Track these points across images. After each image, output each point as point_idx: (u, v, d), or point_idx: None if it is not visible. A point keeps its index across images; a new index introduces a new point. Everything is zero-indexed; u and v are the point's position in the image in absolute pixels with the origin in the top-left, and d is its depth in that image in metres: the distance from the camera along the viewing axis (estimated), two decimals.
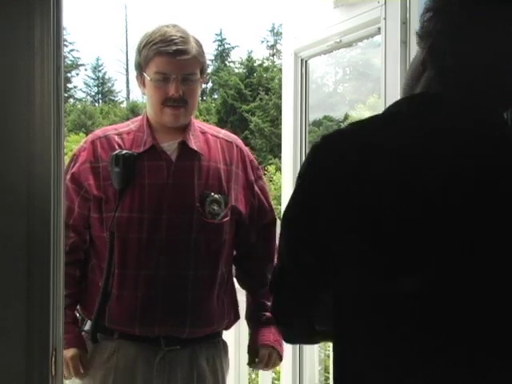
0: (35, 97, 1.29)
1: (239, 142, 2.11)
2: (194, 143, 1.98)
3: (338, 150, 1.15)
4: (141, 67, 1.97)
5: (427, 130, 1.13)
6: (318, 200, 1.14)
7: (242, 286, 2.17)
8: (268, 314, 2.07)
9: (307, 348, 2.89)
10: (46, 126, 1.30)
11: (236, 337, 2.92)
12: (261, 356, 2.09)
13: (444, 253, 1.10)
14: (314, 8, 2.81)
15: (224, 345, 2.09)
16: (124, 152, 1.92)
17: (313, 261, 1.17)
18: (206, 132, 2.06)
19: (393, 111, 1.21)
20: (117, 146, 1.97)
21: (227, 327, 2.09)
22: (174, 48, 1.90)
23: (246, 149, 2.12)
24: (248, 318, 2.18)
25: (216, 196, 1.95)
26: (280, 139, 3.20)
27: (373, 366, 1.13)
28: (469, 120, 1.15)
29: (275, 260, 2.05)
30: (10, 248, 1.29)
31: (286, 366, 2.96)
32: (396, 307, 1.11)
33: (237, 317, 2.12)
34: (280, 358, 2.14)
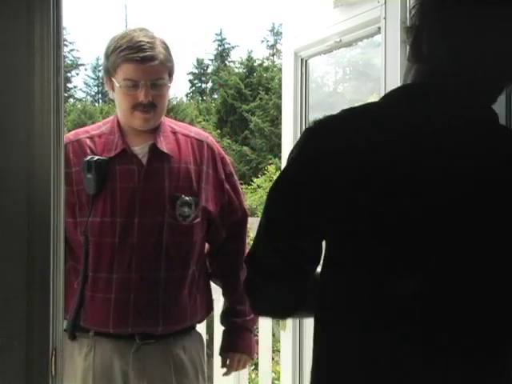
0: (35, 96, 1.28)
1: (210, 139, 2.14)
2: (165, 145, 2.00)
3: (330, 135, 1.15)
4: (109, 72, 1.98)
5: (414, 123, 1.14)
6: (305, 188, 1.14)
7: (217, 285, 2.21)
8: (239, 319, 2.14)
9: (307, 348, 2.89)
10: (46, 126, 1.30)
11: None
12: (230, 362, 2.16)
13: (442, 251, 1.10)
14: (314, 8, 2.80)
15: (199, 336, 2.13)
16: (96, 158, 1.95)
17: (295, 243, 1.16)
18: (177, 132, 2.08)
19: (386, 103, 1.22)
20: (88, 151, 1.99)
21: (200, 321, 2.14)
22: (142, 55, 1.91)
23: (217, 146, 2.15)
24: (221, 322, 2.22)
25: (186, 198, 1.97)
26: (280, 139, 3.20)
27: (363, 365, 1.14)
28: (448, 109, 1.15)
29: (242, 259, 2.13)
30: (10, 248, 1.29)
31: (285, 365, 2.96)
32: (393, 306, 1.11)
33: (209, 310, 2.16)
34: (250, 359, 2.22)
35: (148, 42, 1.93)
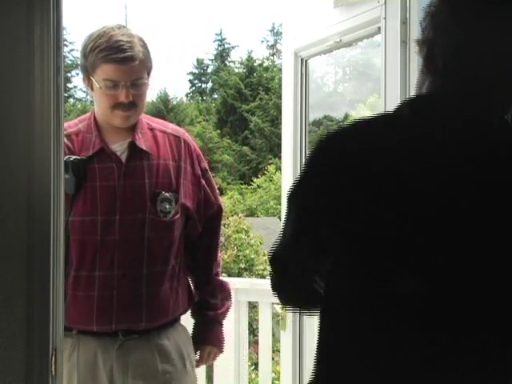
0: (35, 97, 1.28)
1: (186, 136, 2.14)
2: (143, 142, 2.01)
3: (340, 147, 1.18)
4: (87, 71, 1.97)
5: (421, 131, 1.15)
6: (317, 202, 1.17)
7: (190, 278, 2.20)
8: (210, 312, 2.17)
9: (307, 348, 2.89)
10: (46, 126, 1.30)
11: (236, 337, 2.92)
12: (201, 354, 2.19)
13: (443, 252, 1.10)
14: (314, 8, 2.81)
15: (183, 328, 2.14)
16: (73, 158, 1.94)
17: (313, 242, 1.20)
18: (154, 128, 2.08)
19: (393, 113, 1.24)
20: (66, 150, 1.97)
21: (183, 313, 2.15)
22: (122, 55, 1.90)
23: (193, 143, 2.16)
24: (192, 314, 2.23)
25: (167, 194, 1.99)
26: (280, 139, 3.20)
27: (362, 364, 1.14)
28: (461, 120, 1.16)
29: (218, 251, 2.25)
30: (10, 248, 1.29)
31: (286, 365, 2.96)
32: (393, 306, 1.11)
33: (191, 301, 2.17)
34: (220, 352, 2.24)
35: (127, 42, 1.92)
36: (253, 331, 6.03)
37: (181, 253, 2.09)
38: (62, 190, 1.37)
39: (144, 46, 1.98)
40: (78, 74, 34.32)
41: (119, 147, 2.00)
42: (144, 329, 1.97)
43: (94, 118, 2.03)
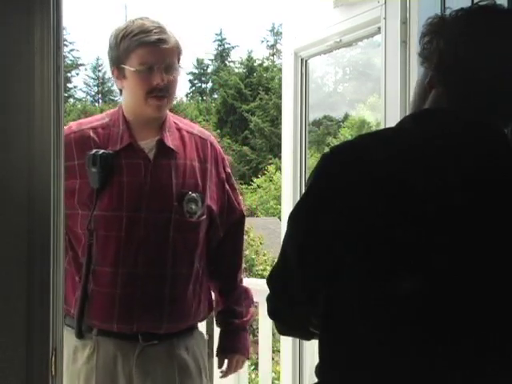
0: (35, 97, 1.28)
1: (212, 139, 2.13)
2: (171, 141, 1.99)
3: (345, 161, 1.19)
4: (119, 60, 1.95)
5: (431, 144, 1.16)
6: (324, 206, 1.17)
7: (212, 285, 2.16)
8: (237, 320, 2.12)
9: (307, 348, 2.89)
10: (46, 126, 1.30)
11: None
12: (229, 363, 2.14)
13: (444, 256, 1.11)
14: (314, 8, 2.81)
15: (201, 335, 2.12)
16: (101, 152, 1.92)
17: (317, 262, 1.19)
18: (181, 128, 2.06)
19: (399, 127, 1.25)
20: (92, 143, 1.96)
21: (203, 319, 2.14)
22: (156, 37, 1.91)
23: (218, 146, 2.14)
24: (217, 323, 2.20)
25: (193, 195, 1.96)
26: (280, 139, 3.21)
27: (365, 367, 1.14)
28: (473, 134, 1.18)
29: (242, 258, 2.21)
30: (10, 248, 1.29)
31: (286, 365, 2.96)
32: (394, 308, 1.11)
33: (211, 308, 2.15)
34: (247, 359, 2.21)
35: (158, 27, 1.94)
36: (253, 331, 6.03)
37: (203, 256, 2.07)
38: (62, 190, 1.36)
39: (173, 33, 1.98)
40: (77, 74, 34.41)
41: (146, 144, 1.97)
42: (164, 332, 1.94)
43: (123, 113, 2.00)
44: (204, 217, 2.00)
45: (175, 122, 2.06)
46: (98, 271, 1.92)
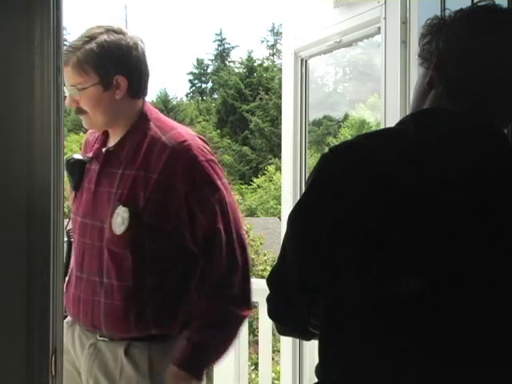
0: (35, 97, 1.28)
1: (186, 144, 1.85)
2: (123, 149, 1.90)
3: (345, 161, 1.19)
4: None
5: (431, 144, 1.16)
6: (323, 206, 1.18)
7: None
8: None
9: (307, 348, 2.89)
10: (46, 126, 1.30)
11: None
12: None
13: (444, 257, 1.11)
14: (314, 8, 2.81)
15: (166, 348, 1.90)
16: (69, 158, 1.99)
17: (317, 262, 1.19)
18: (149, 133, 1.89)
19: (399, 127, 1.25)
20: (88, 147, 2.05)
21: (135, 336, 1.89)
22: (64, 58, 1.66)
23: (193, 153, 1.84)
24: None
25: (125, 208, 1.84)
26: (280, 139, 3.21)
27: (364, 367, 1.14)
28: (473, 134, 1.18)
29: (218, 276, 1.89)
30: (10, 248, 1.29)
31: (286, 366, 2.97)
32: (394, 308, 1.12)
33: (154, 327, 1.89)
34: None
35: (72, 44, 1.85)
36: (253, 331, 6.04)
37: (161, 273, 1.89)
38: (62, 190, 1.37)
39: (98, 46, 1.83)
40: None
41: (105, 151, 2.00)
42: (111, 337, 1.91)
43: None
44: (134, 231, 1.83)
45: (149, 125, 1.90)
46: (71, 274, 2.01)
